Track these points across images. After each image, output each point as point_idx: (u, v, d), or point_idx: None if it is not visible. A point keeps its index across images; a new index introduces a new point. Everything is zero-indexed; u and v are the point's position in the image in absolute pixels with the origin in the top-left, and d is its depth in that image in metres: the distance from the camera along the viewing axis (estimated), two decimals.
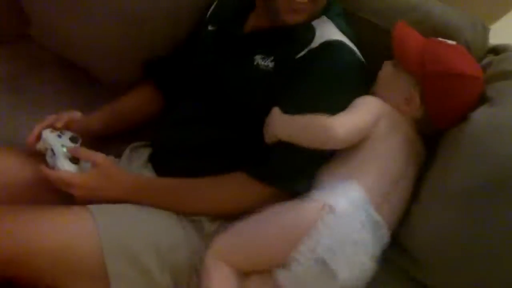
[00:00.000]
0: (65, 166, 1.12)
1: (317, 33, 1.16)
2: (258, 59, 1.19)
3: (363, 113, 1.11)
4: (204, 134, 1.22)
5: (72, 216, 1.05)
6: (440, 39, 1.18)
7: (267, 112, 1.14)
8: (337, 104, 1.11)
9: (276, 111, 1.12)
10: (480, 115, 1.08)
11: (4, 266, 0.96)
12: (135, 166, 1.30)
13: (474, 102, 1.11)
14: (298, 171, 1.12)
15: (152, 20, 1.40)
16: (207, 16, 1.39)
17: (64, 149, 1.14)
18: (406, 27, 1.19)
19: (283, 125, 1.10)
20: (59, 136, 1.16)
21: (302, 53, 1.15)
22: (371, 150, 1.10)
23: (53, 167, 1.14)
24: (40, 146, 1.17)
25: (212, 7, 1.39)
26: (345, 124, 1.07)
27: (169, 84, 1.41)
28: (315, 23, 1.18)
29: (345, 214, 1.00)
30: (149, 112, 1.42)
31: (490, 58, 1.22)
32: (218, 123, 1.22)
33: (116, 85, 1.49)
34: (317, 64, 1.13)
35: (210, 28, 1.34)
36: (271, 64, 1.17)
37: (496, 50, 1.24)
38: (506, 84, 1.13)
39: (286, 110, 1.11)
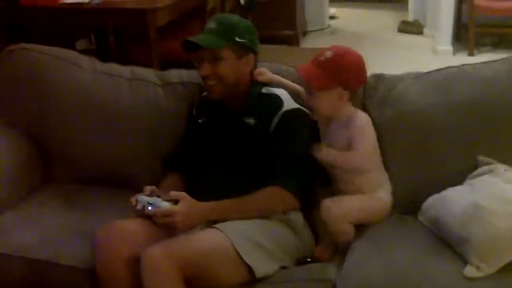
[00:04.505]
0: (165, 205, 1.73)
1: (284, 99, 1.89)
2: (245, 119, 1.86)
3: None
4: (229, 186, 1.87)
5: (210, 233, 1.70)
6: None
7: (254, 154, 1.83)
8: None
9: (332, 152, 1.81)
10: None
11: (185, 266, 1.58)
12: None
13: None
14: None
15: (159, 131, 2.15)
16: (194, 113, 2.06)
17: (160, 198, 1.76)
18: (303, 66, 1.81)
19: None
20: (148, 195, 1.79)
21: (277, 116, 1.84)
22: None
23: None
24: (139, 206, 1.76)
25: (195, 105, 2.06)
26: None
27: (188, 171, 2.02)
28: (277, 92, 1.91)
29: None
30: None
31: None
32: (233, 176, 1.88)
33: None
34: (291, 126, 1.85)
35: (200, 121, 2.01)
36: (252, 121, 1.85)
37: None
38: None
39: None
